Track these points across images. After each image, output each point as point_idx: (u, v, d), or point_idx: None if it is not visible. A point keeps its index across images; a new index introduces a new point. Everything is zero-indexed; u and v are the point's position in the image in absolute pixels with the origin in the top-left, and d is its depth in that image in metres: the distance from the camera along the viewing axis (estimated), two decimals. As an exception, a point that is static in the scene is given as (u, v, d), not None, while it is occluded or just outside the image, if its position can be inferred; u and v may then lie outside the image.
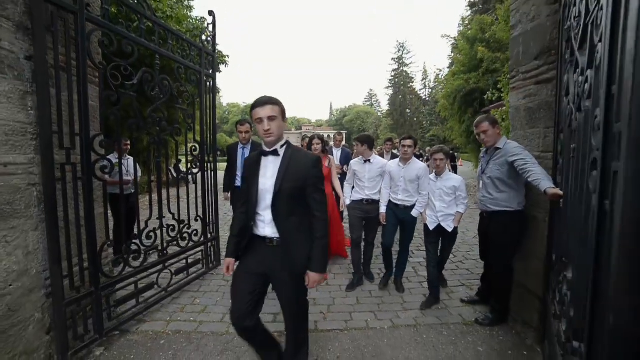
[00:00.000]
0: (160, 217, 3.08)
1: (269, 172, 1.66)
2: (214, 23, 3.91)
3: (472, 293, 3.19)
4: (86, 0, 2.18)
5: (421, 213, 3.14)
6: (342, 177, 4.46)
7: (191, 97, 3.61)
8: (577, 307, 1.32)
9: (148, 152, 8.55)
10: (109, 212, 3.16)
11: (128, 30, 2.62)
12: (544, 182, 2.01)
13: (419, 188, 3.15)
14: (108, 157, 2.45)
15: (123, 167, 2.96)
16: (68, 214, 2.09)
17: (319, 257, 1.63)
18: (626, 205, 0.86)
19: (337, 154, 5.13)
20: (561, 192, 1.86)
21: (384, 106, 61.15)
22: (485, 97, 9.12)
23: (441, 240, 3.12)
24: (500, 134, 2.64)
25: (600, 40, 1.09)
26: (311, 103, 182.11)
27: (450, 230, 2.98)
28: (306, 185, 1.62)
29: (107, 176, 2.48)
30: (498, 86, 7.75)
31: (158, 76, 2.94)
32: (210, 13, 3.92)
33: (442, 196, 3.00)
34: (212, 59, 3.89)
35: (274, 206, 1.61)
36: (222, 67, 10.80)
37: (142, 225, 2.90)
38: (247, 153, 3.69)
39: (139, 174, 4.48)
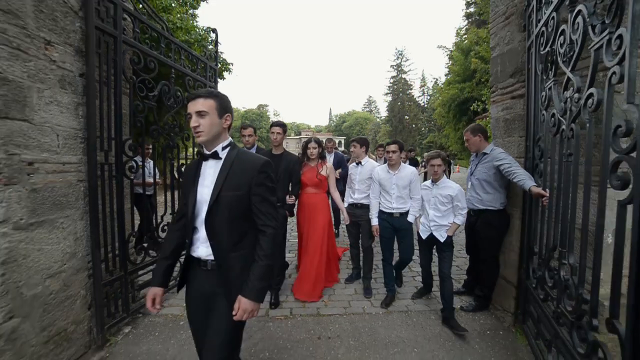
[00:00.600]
0: (173, 212, 3.44)
1: (207, 179, 1.41)
2: (216, 40, 4.32)
3: (459, 285, 3.51)
4: (122, 25, 2.54)
5: (416, 218, 3.04)
6: (337, 181, 4.35)
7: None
8: (594, 289, 1.54)
9: (160, 155, 8.90)
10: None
11: (151, 49, 2.98)
12: (528, 182, 2.34)
13: (410, 193, 3.07)
14: (134, 158, 2.81)
15: (146, 168, 3.30)
16: (105, 207, 2.42)
17: (255, 280, 1.33)
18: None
19: (330, 159, 5.12)
20: (545, 192, 2.17)
21: (383, 112, 61.88)
22: (471, 108, 9.62)
23: (437, 251, 2.90)
24: (482, 141, 2.97)
25: (619, 63, 1.31)
26: (311, 109, 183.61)
27: (442, 240, 2.79)
28: (250, 193, 1.37)
29: (132, 176, 2.83)
30: (482, 99, 8.20)
31: (173, 88, 3.31)
32: (213, 30, 4.34)
33: (437, 205, 2.82)
34: (214, 72, 4.26)
35: (209, 219, 1.36)
36: (225, 74, 11.21)
37: (159, 220, 3.26)
38: None
39: (157, 175, 4.84)
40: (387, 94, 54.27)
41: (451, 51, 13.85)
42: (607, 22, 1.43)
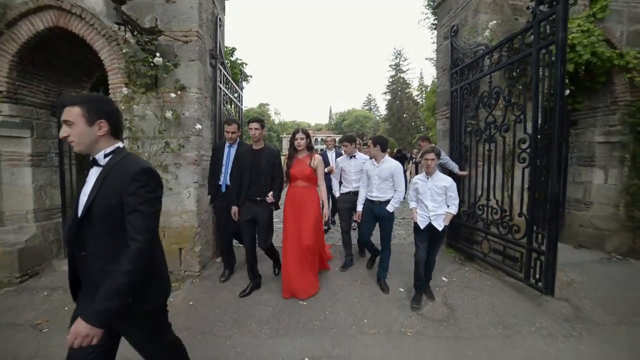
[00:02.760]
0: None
1: (88, 186, 1.31)
2: (244, 75, 6.20)
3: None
4: (240, 85, 4.52)
5: (413, 209, 3.17)
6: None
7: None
8: (510, 207, 3.67)
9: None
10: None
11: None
12: (456, 169, 4.35)
13: (394, 185, 3.38)
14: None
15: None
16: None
17: (100, 299, 1.16)
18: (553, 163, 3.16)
19: (331, 156, 5.49)
20: (464, 173, 4.19)
21: (382, 110, 63.35)
22: (427, 122, 12.02)
23: (430, 240, 3.10)
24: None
25: (519, 116, 3.28)
26: (311, 107, 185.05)
27: (440, 229, 2.99)
28: (123, 202, 1.25)
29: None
30: (435, 115, 10.56)
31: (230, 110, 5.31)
32: (244, 64, 6.32)
33: (434, 196, 3.01)
34: (241, 96, 5.94)
35: (78, 230, 1.28)
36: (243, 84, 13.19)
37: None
38: (232, 152, 3.58)
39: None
40: (386, 92, 55.94)
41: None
42: (513, 100, 3.38)
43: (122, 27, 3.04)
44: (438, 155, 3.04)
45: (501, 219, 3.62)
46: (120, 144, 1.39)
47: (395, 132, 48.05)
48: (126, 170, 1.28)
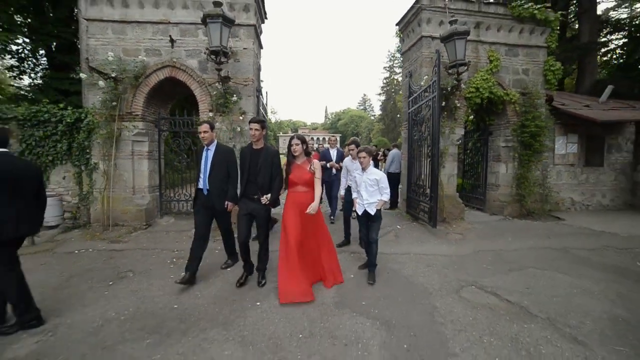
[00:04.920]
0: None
1: None
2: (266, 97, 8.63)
3: (386, 206, 7.96)
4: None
5: (354, 199, 3.78)
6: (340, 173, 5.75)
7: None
8: (425, 184, 6.27)
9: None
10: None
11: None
12: (391, 169, 6.92)
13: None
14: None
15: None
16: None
17: None
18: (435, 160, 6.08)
19: (333, 153, 6.43)
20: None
21: (377, 110, 65.70)
22: (400, 129, 14.47)
23: (369, 222, 3.63)
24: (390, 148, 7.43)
25: (428, 134, 5.98)
26: (307, 107, 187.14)
27: (372, 213, 3.52)
28: None
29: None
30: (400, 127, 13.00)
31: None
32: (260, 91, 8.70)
33: (367, 187, 3.51)
34: (266, 109, 8.61)
35: None
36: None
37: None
38: (210, 155, 3.60)
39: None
40: (380, 93, 58.25)
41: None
42: (427, 122, 5.92)
43: (208, 75, 5.45)
44: (369, 153, 3.56)
45: (423, 190, 6.14)
46: (2, 150, 2.58)
47: (389, 132, 50.41)
48: None
